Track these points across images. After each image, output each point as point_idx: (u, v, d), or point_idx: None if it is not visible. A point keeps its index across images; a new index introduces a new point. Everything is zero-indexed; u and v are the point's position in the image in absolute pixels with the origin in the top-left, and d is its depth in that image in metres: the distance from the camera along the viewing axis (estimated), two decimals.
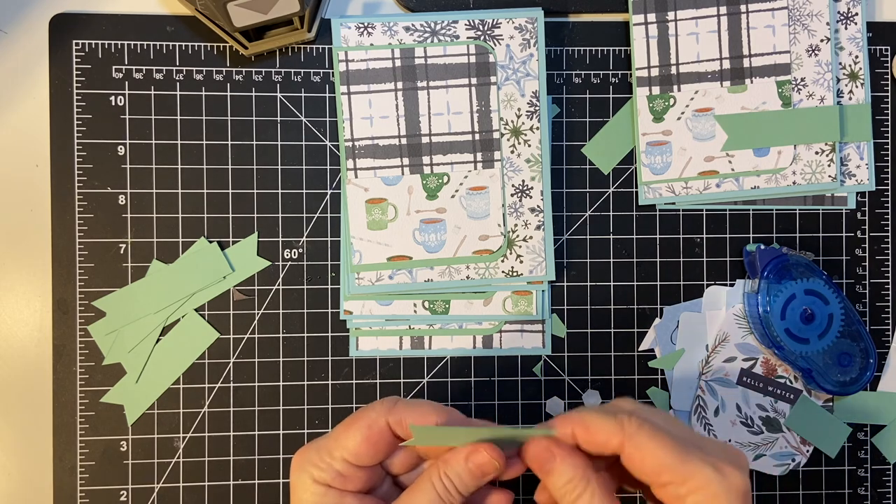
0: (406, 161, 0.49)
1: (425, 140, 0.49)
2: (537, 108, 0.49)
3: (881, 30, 0.52)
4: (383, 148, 0.49)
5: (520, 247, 0.49)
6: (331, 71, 0.49)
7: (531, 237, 0.49)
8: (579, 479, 0.35)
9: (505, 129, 0.49)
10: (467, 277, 0.49)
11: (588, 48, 0.51)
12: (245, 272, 0.49)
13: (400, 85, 0.49)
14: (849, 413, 0.51)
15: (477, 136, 0.49)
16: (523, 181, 0.49)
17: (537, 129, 0.49)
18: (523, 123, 0.49)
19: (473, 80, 0.49)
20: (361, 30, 0.48)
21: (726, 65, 0.50)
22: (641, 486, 0.38)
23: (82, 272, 0.49)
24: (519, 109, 0.49)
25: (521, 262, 0.49)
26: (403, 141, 0.49)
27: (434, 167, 0.49)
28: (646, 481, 0.36)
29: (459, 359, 0.50)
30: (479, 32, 0.48)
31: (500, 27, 0.48)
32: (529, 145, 0.49)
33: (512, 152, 0.49)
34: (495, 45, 0.49)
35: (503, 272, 0.49)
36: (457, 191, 0.49)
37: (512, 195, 0.49)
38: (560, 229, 0.51)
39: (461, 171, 0.49)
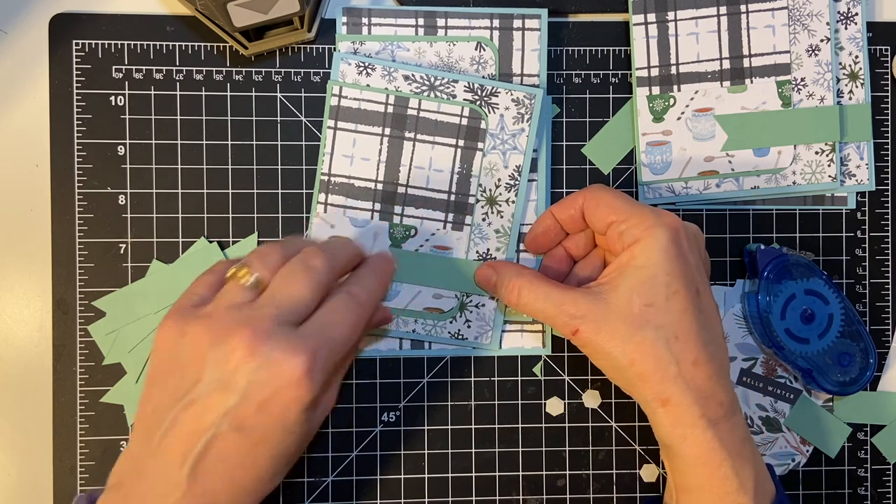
0: (378, 206, 0.49)
1: (401, 190, 0.49)
2: (517, 182, 0.49)
3: (881, 30, 0.52)
4: (358, 189, 0.49)
5: (470, 311, 0.49)
6: (331, 71, 0.49)
7: (483, 305, 0.49)
8: (514, 273, 0.44)
9: (481, 195, 0.49)
10: (413, 331, 0.49)
11: (588, 48, 0.51)
12: None
13: (388, 131, 0.49)
14: (849, 413, 0.51)
15: (452, 197, 0.49)
16: (488, 250, 0.49)
17: (513, 202, 0.49)
18: (500, 194, 0.49)
19: (461, 142, 0.49)
20: (361, 69, 0.48)
21: (726, 65, 0.50)
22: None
23: (82, 272, 0.49)
24: (499, 180, 0.49)
25: (469, 326, 0.49)
26: (379, 186, 0.49)
27: (404, 218, 0.49)
28: (598, 228, 0.44)
29: (459, 359, 0.50)
30: (477, 97, 0.48)
31: (498, 96, 0.48)
32: (502, 216, 0.49)
33: (483, 220, 0.49)
34: (490, 112, 0.48)
35: (449, 333, 0.49)
36: (421, 245, 0.49)
37: (475, 261, 0.49)
38: None
39: (430, 227, 0.49)
